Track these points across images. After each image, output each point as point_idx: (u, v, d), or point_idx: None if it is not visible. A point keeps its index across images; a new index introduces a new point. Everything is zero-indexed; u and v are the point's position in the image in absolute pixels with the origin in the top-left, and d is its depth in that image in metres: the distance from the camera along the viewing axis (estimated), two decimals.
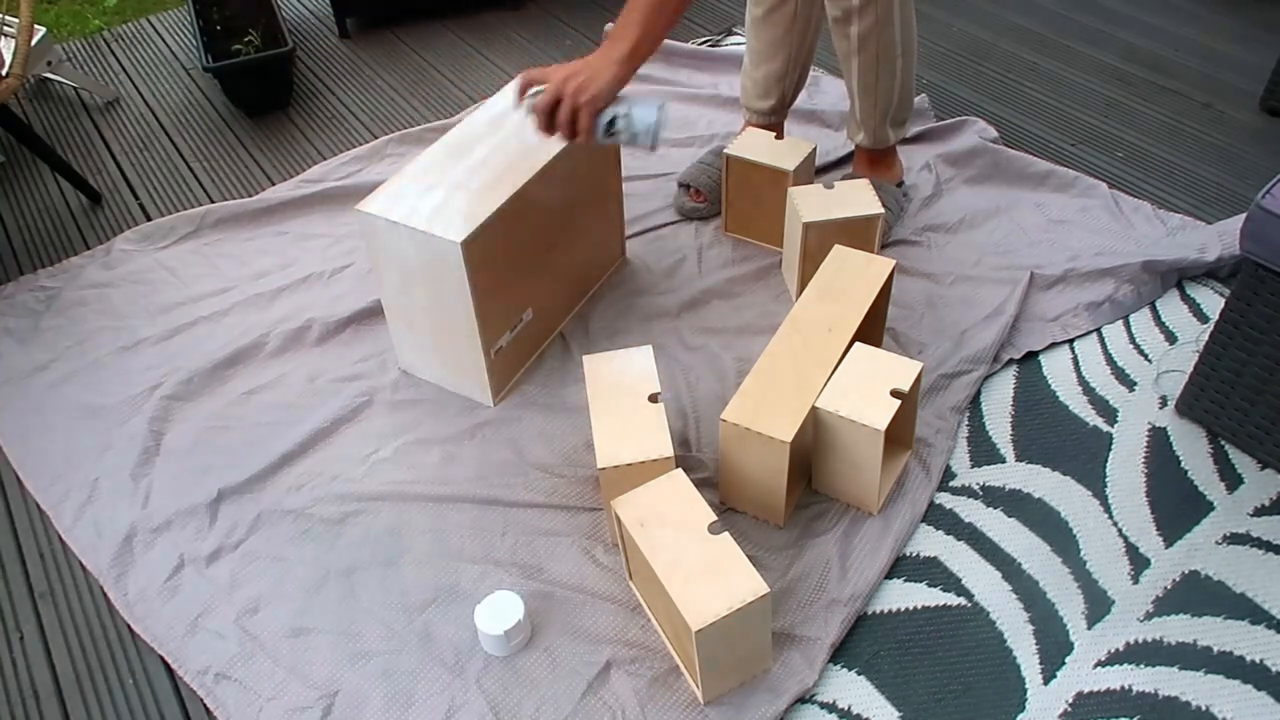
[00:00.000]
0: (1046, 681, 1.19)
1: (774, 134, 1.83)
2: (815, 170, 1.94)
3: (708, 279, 1.77)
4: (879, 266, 1.50)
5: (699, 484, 1.36)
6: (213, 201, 2.09)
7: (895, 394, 1.29)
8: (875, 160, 1.85)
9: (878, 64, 1.64)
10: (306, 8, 2.86)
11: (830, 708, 1.18)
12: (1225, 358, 1.38)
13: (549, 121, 1.36)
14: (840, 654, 1.23)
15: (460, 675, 1.23)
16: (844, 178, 1.85)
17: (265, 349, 1.69)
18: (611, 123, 1.37)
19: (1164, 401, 1.52)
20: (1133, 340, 1.62)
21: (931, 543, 1.35)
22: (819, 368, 1.35)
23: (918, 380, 1.33)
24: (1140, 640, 1.22)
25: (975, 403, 1.54)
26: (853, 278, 1.48)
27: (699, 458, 1.46)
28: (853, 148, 2.05)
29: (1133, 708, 1.15)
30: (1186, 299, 1.69)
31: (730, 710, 1.17)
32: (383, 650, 1.26)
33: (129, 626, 1.32)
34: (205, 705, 1.23)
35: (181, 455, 1.53)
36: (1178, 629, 1.23)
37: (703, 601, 1.09)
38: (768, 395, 1.31)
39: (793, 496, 1.36)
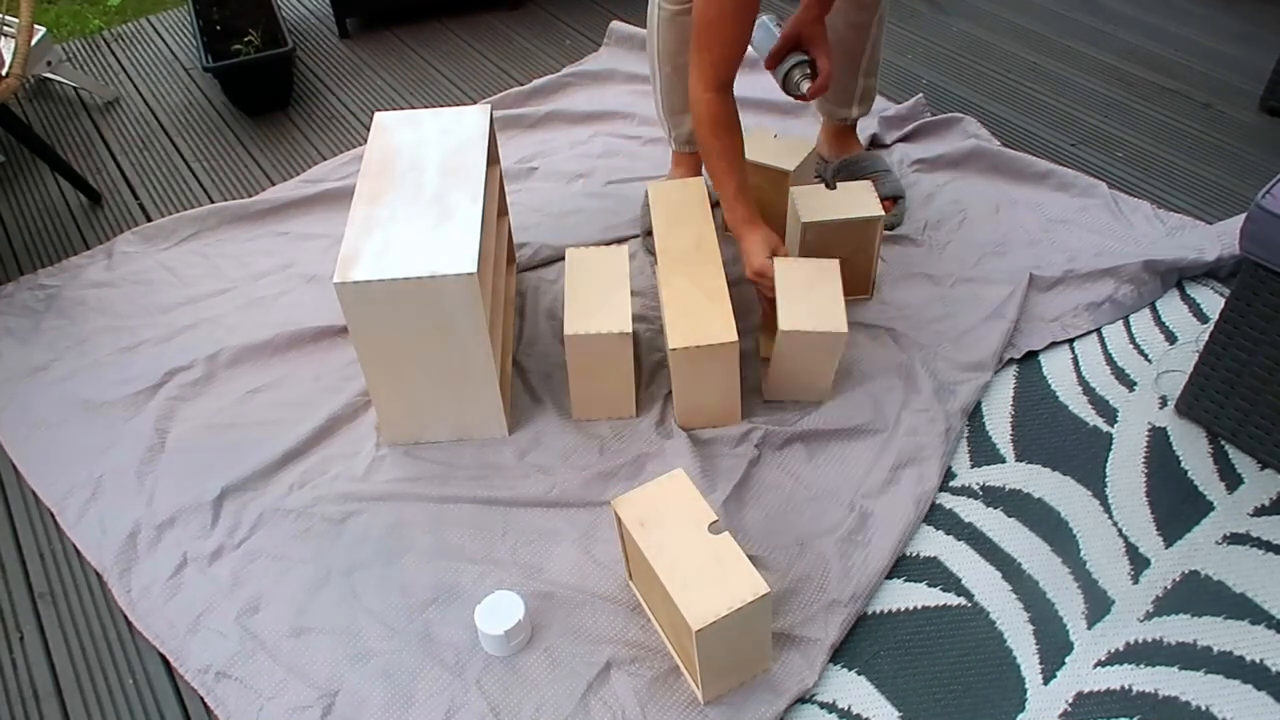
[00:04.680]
0: (1046, 681, 1.19)
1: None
2: (815, 171, 1.94)
3: None
4: (694, 188, 1.67)
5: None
6: (213, 201, 2.09)
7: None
8: (850, 130, 1.95)
9: (884, 18, 1.78)
10: (306, 8, 2.86)
11: (830, 708, 1.18)
12: (1225, 358, 1.38)
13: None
14: (840, 654, 1.23)
15: (460, 675, 1.23)
16: (838, 164, 1.91)
17: (268, 349, 1.69)
18: (789, 74, 1.57)
19: (1164, 401, 1.52)
20: (1133, 340, 1.62)
21: (931, 543, 1.35)
22: (715, 276, 1.50)
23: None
24: (1140, 640, 1.22)
25: (975, 403, 1.54)
26: (679, 203, 1.65)
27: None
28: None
29: (1133, 708, 1.15)
30: (1186, 299, 1.69)
31: (730, 710, 1.17)
32: (383, 650, 1.26)
33: (129, 626, 1.33)
34: (205, 704, 1.23)
35: (186, 453, 1.53)
36: (1178, 629, 1.23)
37: (703, 601, 1.09)
38: (694, 314, 1.43)
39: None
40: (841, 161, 1.94)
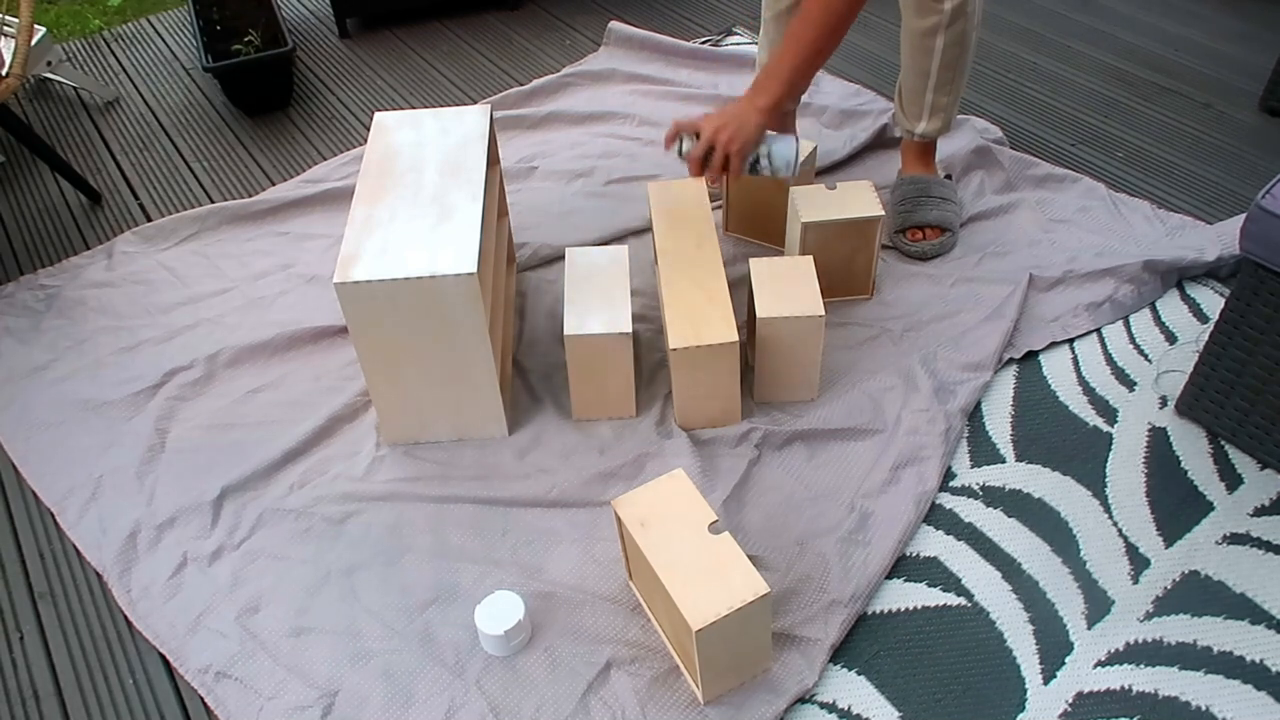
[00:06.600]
0: (1046, 681, 1.19)
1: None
2: (816, 170, 1.94)
3: None
4: (694, 188, 1.66)
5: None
6: (213, 201, 2.09)
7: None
8: (926, 151, 1.85)
9: (963, 39, 1.67)
10: (306, 8, 2.86)
11: (830, 708, 1.18)
12: (1225, 358, 1.38)
13: (702, 166, 1.51)
14: (840, 654, 1.23)
15: (460, 675, 1.23)
16: (896, 182, 1.86)
17: (268, 348, 1.69)
18: (755, 162, 1.54)
19: (1164, 401, 1.52)
20: (1133, 340, 1.62)
21: (931, 543, 1.35)
22: (715, 276, 1.50)
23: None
24: (1140, 640, 1.22)
25: (975, 403, 1.54)
26: (679, 203, 1.64)
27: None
28: (847, 147, 2.05)
29: (1133, 708, 1.16)
30: (1186, 299, 1.69)
31: (730, 710, 1.17)
32: (383, 650, 1.26)
33: (129, 626, 1.33)
34: (205, 704, 1.23)
35: (186, 453, 1.53)
36: (1178, 629, 1.23)
37: (703, 601, 1.09)
38: (693, 314, 1.43)
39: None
40: (899, 178, 1.86)
